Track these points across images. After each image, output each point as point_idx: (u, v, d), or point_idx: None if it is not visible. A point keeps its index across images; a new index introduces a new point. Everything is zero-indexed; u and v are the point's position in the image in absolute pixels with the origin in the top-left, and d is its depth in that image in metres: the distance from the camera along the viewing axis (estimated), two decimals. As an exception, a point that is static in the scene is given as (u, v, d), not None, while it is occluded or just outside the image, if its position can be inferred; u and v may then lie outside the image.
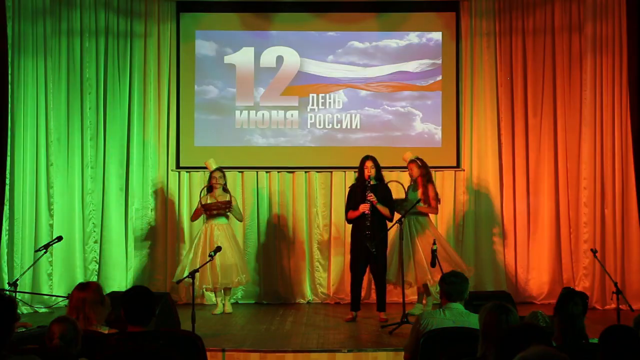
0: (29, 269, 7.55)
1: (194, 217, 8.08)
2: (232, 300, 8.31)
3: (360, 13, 8.92)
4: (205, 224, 7.86)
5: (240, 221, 8.26)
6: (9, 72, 7.50)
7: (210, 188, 7.91)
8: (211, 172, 7.93)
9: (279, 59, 8.88)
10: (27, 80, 8.01)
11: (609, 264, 8.01)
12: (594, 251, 7.24)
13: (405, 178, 8.66)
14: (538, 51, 8.69)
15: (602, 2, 8.33)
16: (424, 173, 7.75)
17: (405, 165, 7.89)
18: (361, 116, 8.88)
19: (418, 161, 7.76)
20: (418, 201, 7.52)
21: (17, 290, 6.62)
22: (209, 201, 7.81)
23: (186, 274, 6.87)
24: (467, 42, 8.82)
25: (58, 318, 3.72)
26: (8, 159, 7.55)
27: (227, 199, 7.83)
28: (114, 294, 6.19)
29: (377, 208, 7.26)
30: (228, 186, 8.04)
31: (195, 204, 8.75)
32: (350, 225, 7.57)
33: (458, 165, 8.81)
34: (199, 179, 8.77)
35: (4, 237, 7.62)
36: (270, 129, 8.89)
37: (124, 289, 7.89)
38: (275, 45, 8.91)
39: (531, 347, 2.69)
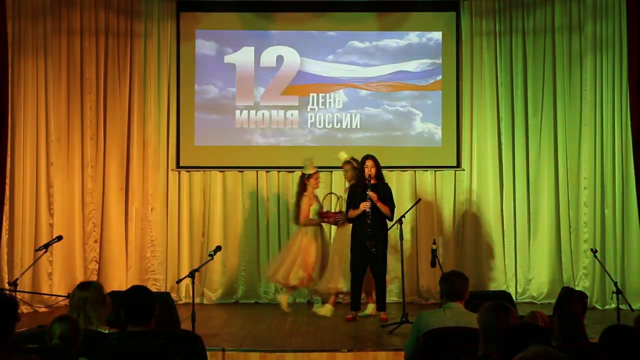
0: (29, 268, 7.55)
1: (308, 223, 7.86)
2: (232, 300, 8.31)
3: (360, 13, 8.91)
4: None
5: None
6: (9, 71, 7.49)
7: (305, 187, 7.88)
8: (313, 173, 7.87)
9: (279, 59, 8.87)
10: (27, 80, 8.01)
11: (609, 264, 8.01)
12: (594, 251, 7.26)
13: (403, 178, 8.67)
14: (538, 51, 8.68)
15: (602, 1, 8.34)
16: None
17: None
18: (361, 116, 8.87)
19: (353, 162, 7.62)
20: (419, 200, 7.50)
21: (17, 289, 6.62)
22: (314, 206, 7.81)
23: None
24: (467, 42, 8.81)
25: (58, 317, 3.72)
26: (8, 158, 7.53)
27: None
28: (114, 293, 6.18)
29: (377, 206, 7.26)
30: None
31: (198, 204, 8.75)
32: (351, 225, 7.58)
33: (458, 165, 8.80)
34: (199, 179, 8.78)
35: (4, 237, 7.62)
36: (270, 128, 8.88)
37: (124, 289, 7.88)
38: (276, 44, 8.90)
39: (531, 347, 2.68)
